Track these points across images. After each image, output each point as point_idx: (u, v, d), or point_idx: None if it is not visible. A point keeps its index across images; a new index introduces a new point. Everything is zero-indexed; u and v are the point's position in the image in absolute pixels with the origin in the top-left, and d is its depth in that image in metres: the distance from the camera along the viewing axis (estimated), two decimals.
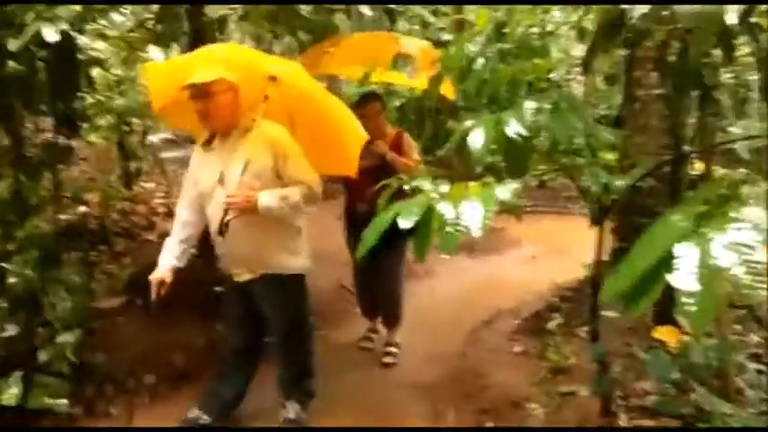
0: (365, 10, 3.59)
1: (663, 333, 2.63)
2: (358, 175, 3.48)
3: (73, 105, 3.80)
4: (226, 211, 2.76)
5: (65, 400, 3.10)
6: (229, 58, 2.88)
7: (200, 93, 2.73)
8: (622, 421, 2.81)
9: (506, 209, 1.62)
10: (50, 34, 3.09)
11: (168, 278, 2.84)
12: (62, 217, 4.73)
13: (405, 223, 1.52)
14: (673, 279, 1.16)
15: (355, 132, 3.24)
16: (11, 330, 3.11)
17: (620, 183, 2.21)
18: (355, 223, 3.91)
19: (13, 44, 3.23)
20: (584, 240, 3.19)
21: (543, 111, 1.86)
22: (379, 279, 4.08)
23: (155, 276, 2.83)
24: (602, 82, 5.44)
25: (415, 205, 1.56)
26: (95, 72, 5.84)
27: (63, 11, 3.16)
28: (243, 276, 2.98)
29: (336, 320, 4.77)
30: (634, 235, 1.31)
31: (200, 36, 4.34)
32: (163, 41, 3.78)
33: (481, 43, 2.45)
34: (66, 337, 3.31)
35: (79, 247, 4.61)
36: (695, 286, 1.12)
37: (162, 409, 3.43)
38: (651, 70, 3.44)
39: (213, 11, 4.50)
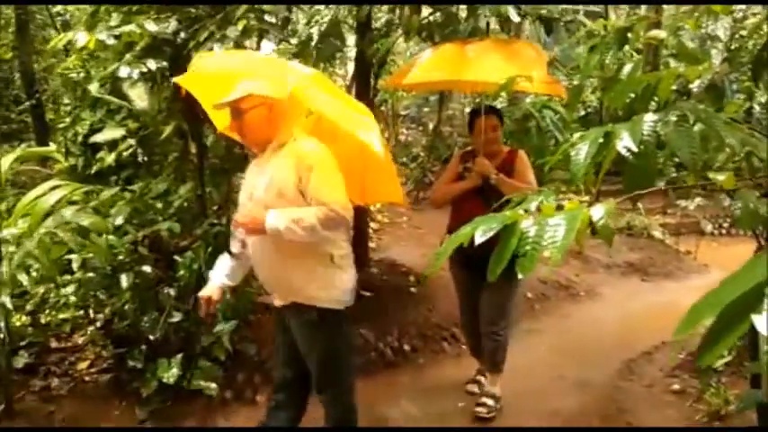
0: (515, 16, 3.47)
1: None
2: (461, 198, 3.32)
3: None
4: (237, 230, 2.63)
5: (215, 385, 3.42)
6: (272, 70, 2.74)
7: (233, 112, 2.60)
8: None
9: (599, 231, 1.48)
10: (219, 52, 3.44)
11: (216, 296, 2.72)
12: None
13: (480, 237, 1.46)
14: (758, 321, 0.98)
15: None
16: (177, 317, 3.51)
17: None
18: (457, 251, 3.62)
19: None
20: None
21: (666, 124, 1.66)
22: (482, 316, 3.56)
23: (203, 294, 2.73)
24: None
25: (496, 220, 1.49)
26: None
27: (232, 31, 3.49)
28: (277, 301, 2.75)
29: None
30: None
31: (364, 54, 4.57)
32: (321, 58, 4.01)
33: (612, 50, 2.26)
34: (224, 327, 3.65)
35: None
36: None
37: None
38: None
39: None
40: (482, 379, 3.77)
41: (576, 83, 2.79)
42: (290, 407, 2.83)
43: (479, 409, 3.55)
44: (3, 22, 8.77)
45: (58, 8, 8.81)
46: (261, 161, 2.65)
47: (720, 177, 1.74)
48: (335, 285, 2.62)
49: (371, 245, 5.63)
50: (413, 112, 11.60)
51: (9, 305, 3.12)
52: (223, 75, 2.74)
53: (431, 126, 9.86)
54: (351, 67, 8.09)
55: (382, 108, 10.23)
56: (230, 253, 2.72)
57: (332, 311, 2.61)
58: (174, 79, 3.18)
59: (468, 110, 10.01)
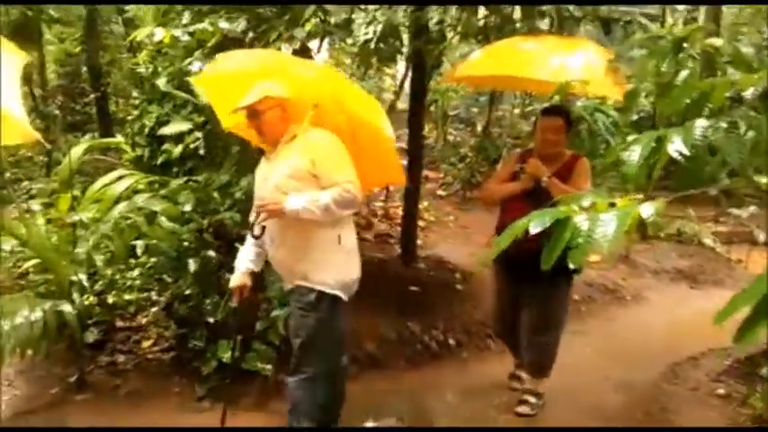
0: (576, 12, 3.50)
1: None
2: (511, 199, 3.27)
3: None
4: (258, 215, 2.77)
5: (270, 366, 3.60)
6: (277, 68, 2.92)
7: (249, 113, 2.77)
8: None
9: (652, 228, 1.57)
10: (287, 52, 3.63)
11: (248, 283, 2.93)
12: None
13: (535, 228, 1.56)
14: None
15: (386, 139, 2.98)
16: (236, 301, 3.69)
17: None
18: (504, 253, 3.52)
19: None
20: None
21: (717, 130, 1.74)
22: (531, 324, 3.49)
23: (234, 285, 2.93)
24: None
25: (551, 213, 1.59)
26: None
27: (299, 32, 3.67)
28: (286, 285, 2.92)
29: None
30: None
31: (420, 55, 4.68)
32: (381, 59, 4.14)
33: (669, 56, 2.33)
34: (279, 312, 3.82)
35: None
36: None
37: (349, 389, 3.77)
38: None
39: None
40: (522, 374, 3.74)
41: (631, 86, 2.84)
42: None
43: (522, 408, 3.56)
44: (72, 17, 9.20)
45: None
46: (273, 156, 2.84)
47: (763, 179, 1.79)
48: (339, 271, 2.77)
49: (418, 242, 5.74)
50: (462, 112, 11.64)
51: (85, 283, 3.36)
52: (238, 76, 2.90)
53: (479, 127, 9.89)
54: (400, 66, 8.22)
55: (431, 108, 10.33)
56: (253, 236, 2.84)
57: (329, 297, 2.74)
58: (190, 78, 3.39)
59: (518, 111, 10.03)
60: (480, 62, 4.02)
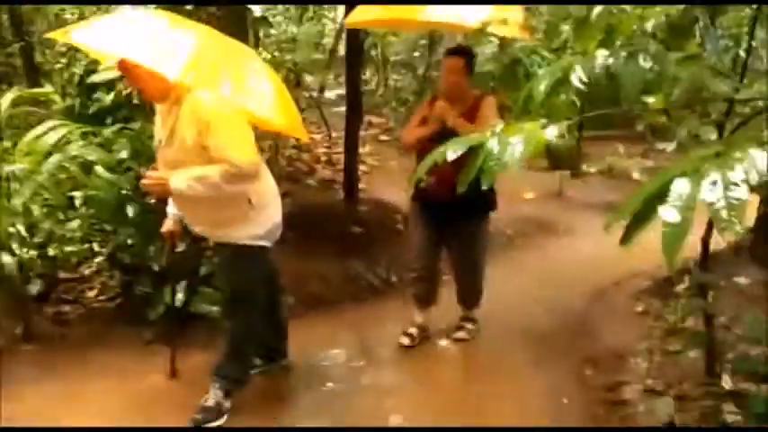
0: None
1: None
2: (424, 144, 3.26)
3: None
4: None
5: (217, 308, 3.69)
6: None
7: (120, 70, 2.74)
8: (726, 383, 2.74)
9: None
10: None
11: (177, 229, 3.02)
12: None
13: (451, 155, 1.69)
14: (661, 210, 1.24)
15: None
16: (180, 247, 3.74)
17: None
18: (421, 195, 3.53)
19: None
20: None
21: (618, 59, 1.89)
22: (459, 263, 3.70)
23: (164, 230, 3.04)
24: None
25: (466, 140, 1.72)
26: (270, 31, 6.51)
27: None
28: (208, 241, 3.06)
29: None
30: None
31: None
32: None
33: None
34: None
35: None
36: (675, 218, 1.20)
37: (295, 325, 3.92)
38: None
39: None
40: (414, 332, 3.74)
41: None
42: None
43: (459, 333, 3.78)
44: None
45: None
46: (163, 110, 2.75)
47: (651, 100, 1.97)
48: (253, 225, 2.79)
49: (361, 185, 5.86)
50: (404, 56, 11.64)
51: (24, 233, 3.35)
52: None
53: (420, 71, 9.96)
54: (340, 11, 8.15)
55: (372, 53, 10.29)
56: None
57: (247, 247, 2.79)
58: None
59: None
60: (370, 8, 3.94)
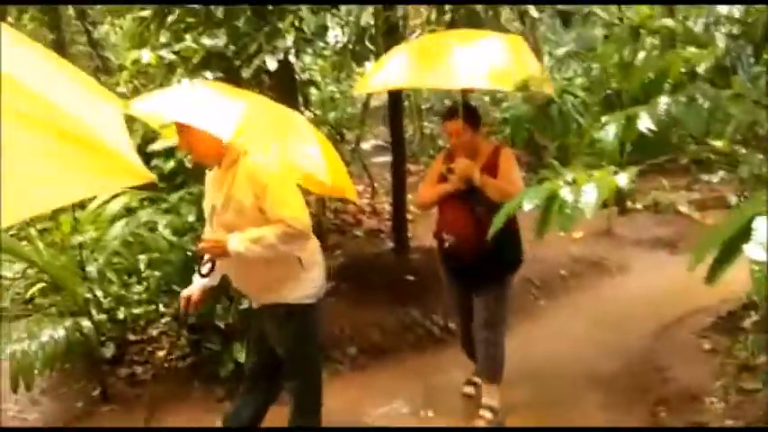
0: (534, 12, 3.71)
1: None
2: (445, 201, 3.23)
3: None
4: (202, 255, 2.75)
5: None
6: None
7: (178, 128, 2.70)
8: None
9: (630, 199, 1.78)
10: (272, 63, 3.81)
11: (196, 296, 2.87)
12: None
13: (528, 205, 1.76)
14: (747, 249, 1.29)
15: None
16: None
17: None
18: (445, 254, 3.43)
19: (245, 72, 4.04)
20: None
21: (678, 104, 1.96)
22: (474, 323, 3.44)
23: (184, 293, 2.91)
24: None
25: (540, 190, 1.80)
26: (312, 90, 6.77)
27: (281, 42, 3.86)
28: (254, 304, 2.97)
29: None
30: None
31: None
32: (358, 61, 4.34)
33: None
34: None
35: None
36: (762, 256, 1.25)
37: (360, 377, 3.97)
38: None
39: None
40: (479, 380, 3.65)
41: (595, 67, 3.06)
42: (253, 400, 3.01)
43: (478, 421, 3.44)
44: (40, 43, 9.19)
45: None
46: (218, 175, 2.75)
47: (718, 143, 2.03)
48: (304, 286, 2.80)
49: (408, 234, 5.94)
50: (435, 104, 11.83)
51: (102, 299, 3.52)
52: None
53: None
54: (368, 65, 8.43)
55: (405, 103, 10.52)
56: (200, 274, 2.81)
57: (300, 305, 2.79)
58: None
59: (487, 98, 10.25)
60: (389, 73, 3.52)
